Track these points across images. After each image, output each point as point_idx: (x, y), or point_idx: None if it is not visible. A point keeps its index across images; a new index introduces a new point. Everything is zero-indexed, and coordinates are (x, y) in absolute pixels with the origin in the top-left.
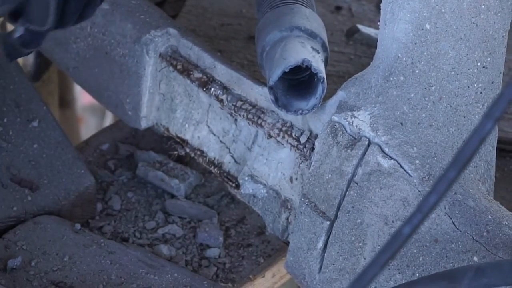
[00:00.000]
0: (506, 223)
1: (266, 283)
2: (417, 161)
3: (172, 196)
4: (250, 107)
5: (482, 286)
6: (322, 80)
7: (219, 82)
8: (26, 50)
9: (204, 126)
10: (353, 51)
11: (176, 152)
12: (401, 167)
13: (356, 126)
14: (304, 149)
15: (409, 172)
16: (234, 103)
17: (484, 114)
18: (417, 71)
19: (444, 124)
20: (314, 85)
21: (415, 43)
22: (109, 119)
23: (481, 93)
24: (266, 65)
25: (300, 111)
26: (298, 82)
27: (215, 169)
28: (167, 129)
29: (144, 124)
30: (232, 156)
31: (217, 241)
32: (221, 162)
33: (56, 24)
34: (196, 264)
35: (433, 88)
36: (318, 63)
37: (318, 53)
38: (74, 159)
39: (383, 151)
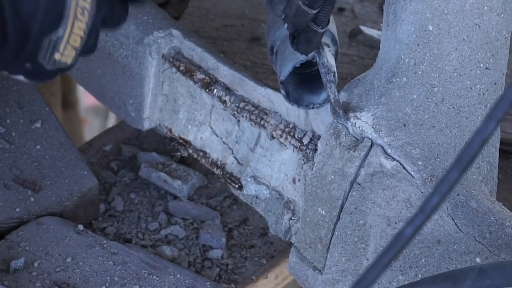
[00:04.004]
0: (509, 224)
1: (269, 284)
2: (419, 162)
3: (175, 197)
4: (253, 108)
5: (485, 287)
6: (333, 74)
7: (222, 83)
8: (312, 11)
9: (207, 127)
10: (356, 52)
11: (179, 153)
12: (404, 168)
13: (359, 127)
14: (307, 150)
15: (412, 173)
16: (237, 104)
17: (486, 115)
18: (419, 72)
19: (446, 125)
20: None
21: (418, 44)
22: (112, 121)
23: (483, 94)
24: (277, 60)
25: (312, 105)
26: (309, 76)
27: (218, 170)
28: (170, 130)
29: (147, 125)
30: (235, 157)
31: (220, 242)
32: (224, 163)
33: None
34: (199, 265)
35: (435, 89)
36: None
37: (328, 47)
38: (77, 160)
39: (385, 152)
